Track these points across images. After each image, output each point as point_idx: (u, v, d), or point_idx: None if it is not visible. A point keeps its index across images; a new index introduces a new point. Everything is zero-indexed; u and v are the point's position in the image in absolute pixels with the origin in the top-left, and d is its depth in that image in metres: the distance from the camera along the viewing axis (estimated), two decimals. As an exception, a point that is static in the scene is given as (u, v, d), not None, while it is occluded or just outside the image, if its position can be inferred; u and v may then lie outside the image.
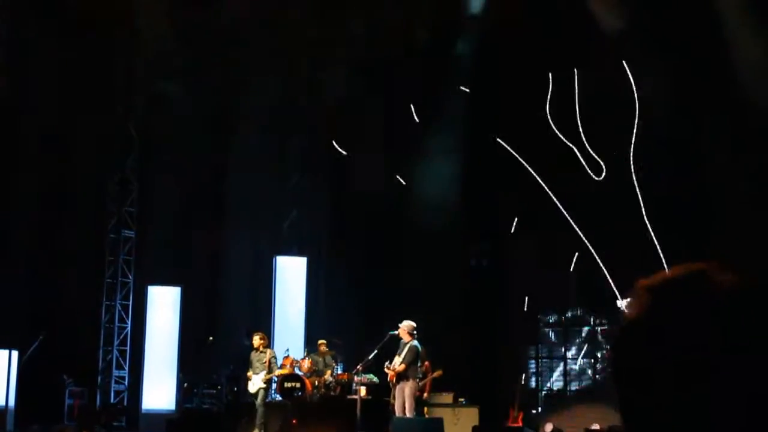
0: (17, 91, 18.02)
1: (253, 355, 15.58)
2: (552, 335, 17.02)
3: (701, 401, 1.17)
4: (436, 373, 15.52)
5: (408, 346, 14.09)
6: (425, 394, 15.51)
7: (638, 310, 1.27)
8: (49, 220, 18.59)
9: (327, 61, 18.87)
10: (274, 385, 16.90)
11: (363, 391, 15.13)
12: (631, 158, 16.53)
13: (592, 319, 16.64)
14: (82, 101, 18.00)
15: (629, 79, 16.25)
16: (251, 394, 15.52)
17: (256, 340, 15.58)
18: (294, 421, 12.48)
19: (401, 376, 14.07)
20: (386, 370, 14.20)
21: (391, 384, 14.30)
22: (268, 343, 15.84)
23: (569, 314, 16.92)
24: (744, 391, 1.16)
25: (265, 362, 15.41)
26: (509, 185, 17.63)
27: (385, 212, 18.19)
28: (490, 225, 17.93)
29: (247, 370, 15.61)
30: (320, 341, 16.82)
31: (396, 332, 14.27)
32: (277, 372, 15.81)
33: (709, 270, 1.25)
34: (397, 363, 14.06)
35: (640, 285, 1.30)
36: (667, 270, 1.29)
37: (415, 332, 14.21)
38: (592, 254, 16.84)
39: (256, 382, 15.33)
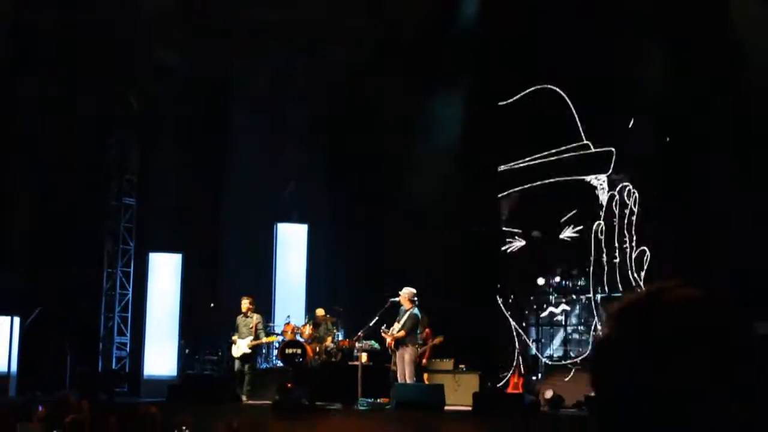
0: (18, 57, 18.13)
1: (240, 319, 15.63)
2: (553, 302, 17.16)
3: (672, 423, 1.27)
4: (437, 340, 15.69)
5: (408, 313, 14.27)
6: (425, 361, 15.70)
7: (603, 335, 1.40)
8: (50, 186, 18.73)
9: (328, 34, 18.88)
10: (266, 352, 17.11)
11: (364, 357, 15.29)
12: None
13: (591, 288, 16.77)
14: (83, 69, 18.10)
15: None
16: (235, 358, 15.64)
17: (245, 304, 15.60)
18: (289, 385, 12.65)
19: (400, 343, 14.24)
20: (383, 334, 14.39)
21: (390, 350, 14.50)
22: (256, 308, 15.86)
23: (570, 282, 17.04)
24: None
25: (252, 327, 15.45)
26: (510, 148, 17.72)
27: (386, 179, 18.30)
28: (489, 190, 18.02)
29: (233, 334, 15.71)
30: (319, 308, 16.98)
31: (397, 299, 14.45)
32: (264, 339, 15.89)
33: (665, 288, 1.37)
34: (396, 329, 14.25)
35: (608, 309, 1.44)
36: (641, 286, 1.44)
37: (415, 299, 14.38)
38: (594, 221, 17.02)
39: (241, 347, 15.41)
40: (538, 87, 17.31)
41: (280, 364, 16.34)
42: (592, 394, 1.39)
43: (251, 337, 15.35)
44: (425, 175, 17.61)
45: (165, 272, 18.57)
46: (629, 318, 1.37)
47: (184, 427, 10.11)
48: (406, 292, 14.39)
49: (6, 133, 18.25)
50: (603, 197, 16.57)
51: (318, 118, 19.83)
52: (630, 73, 15.81)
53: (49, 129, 18.57)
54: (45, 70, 18.10)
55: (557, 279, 17.17)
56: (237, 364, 15.48)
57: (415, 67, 17.97)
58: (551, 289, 17.24)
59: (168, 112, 19.03)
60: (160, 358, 18.10)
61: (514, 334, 17.15)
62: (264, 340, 15.86)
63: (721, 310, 1.34)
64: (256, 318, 15.60)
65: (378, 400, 14.17)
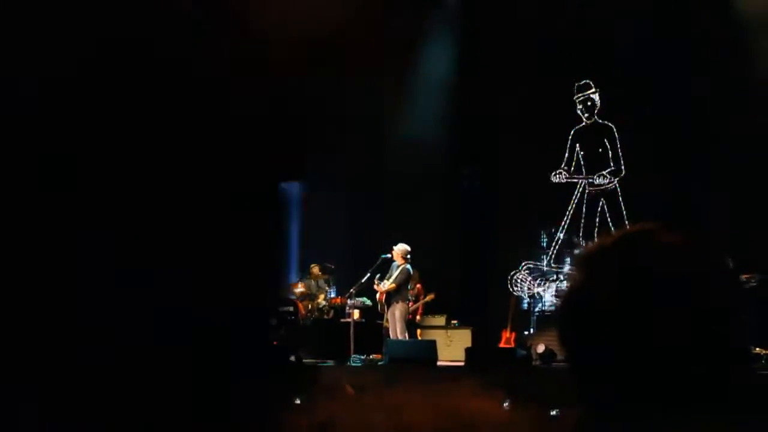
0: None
1: None
2: (544, 257, 17.38)
3: (633, 368, 1.23)
4: (428, 297, 15.93)
5: (400, 268, 14.54)
6: (417, 317, 15.97)
7: (572, 282, 1.34)
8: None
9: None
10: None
11: (356, 314, 15.56)
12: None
13: (583, 242, 17.01)
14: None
15: None
16: None
17: None
18: (275, 343, 12.85)
19: (391, 298, 14.51)
20: (375, 286, 14.63)
21: (380, 305, 14.76)
22: None
23: (561, 236, 17.25)
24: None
25: None
26: (503, 99, 17.85)
27: (378, 134, 18.39)
28: (482, 142, 18.14)
29: None
30: (312, 265, 17.16)
31: (389, 255, 14.70)
32: None
33: (646, 231, 1.29)
34: (387, 283, 14.52)
35: (576, 257, 1.40)
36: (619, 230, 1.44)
37: (408, 256, 14.65)
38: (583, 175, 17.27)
39: None
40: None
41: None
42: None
43: None
44: (418, 127, 17.71)
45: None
46: (603, 266, 1.29)
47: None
48: (400, 248, 14.63)
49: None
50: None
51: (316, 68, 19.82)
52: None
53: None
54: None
55: (552, 231, 17.42)
56: None
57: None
58: (544, 241, 17.47)
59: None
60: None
61: (509, 288, 17.37)
62: None
63: (705, 261, 1.26)
64: None
65: (371, 357, 14.46)
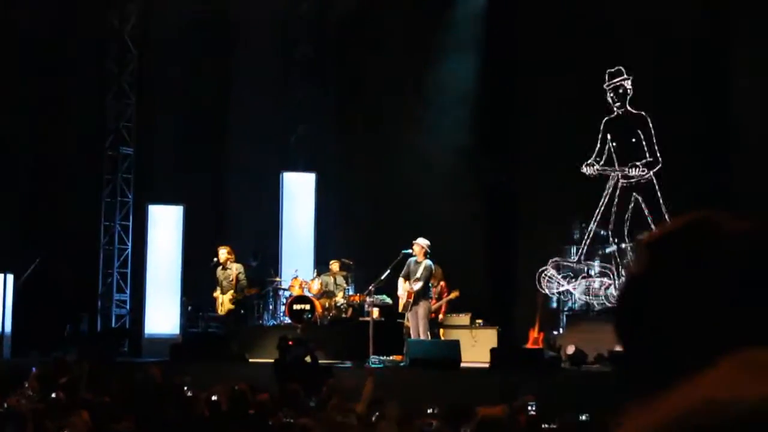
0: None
1: (219, 272, 15.51)
2: (574, 253, 17.14)
3: (701, 358, 1.12)
4: (452, 295, 15.67)
5: (423, 264, 14.31)
6: (441, 316, 15.73)
7: (637, 268, 1.27)
8: (43, 137, 18.74)
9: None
10: (273, 308, 17.13)
11: (375, 312, 15.35)
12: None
13: (614, 238, 16.80)
14: (78, 8, 18.06)
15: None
16: (220, 317, 15.61)
17: (222, 254, 15.39)
18: (290, 342, 12.68)
19: (418, 296, 14.30)
20: (402, 288, 14.36)
21: (401, 304, 14.49)
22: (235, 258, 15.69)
23: (592, 231, 17.01)
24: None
25: (232, 279, 15.38)
26: (528, 97, 17.69)
27: (400, 123, 18.20)
28: (509, 133, 17.96)
29: (214, 290, 15.64)
30: (332, 261, 16.98)
31: (410, 251, 14.47)
32: (246, 291, 15.76)
33: (712, 218, 1.23)
34: (415, 283, 14.27)
35: (640, 241, 1.31)
36: (669, 219, 1.31)
37: (429, 251, 14.43)
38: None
39: (225, 303, 15.37)
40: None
41: (287, 320, 16.40)
42: (617, 348, 1.26)
43: (232, 291, 15.29)
44: (441, 119, 17.58)
45: (165, 225, 18.56)
46: (672, 248, 1.23)
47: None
48: (422, 242, 14.40)
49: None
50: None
51: (327, 57, 19.68)
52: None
53: (42, 74, 18.55)
54: (36, 8, 18.02)
55: (582, 226, 17.19)
56: (222, 323, 15.56)
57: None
58: (575, 237, 17.25)
59: (167, 53, 18.88)
60: (162, 315, 18.15)
61: (537, 285, 17.15)
62: (246, 292, 15.73)
63: None
64: (236, 268, 15.45)
65: (390, 358, 14.24)
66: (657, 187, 16.62)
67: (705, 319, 1.17)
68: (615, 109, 17.14)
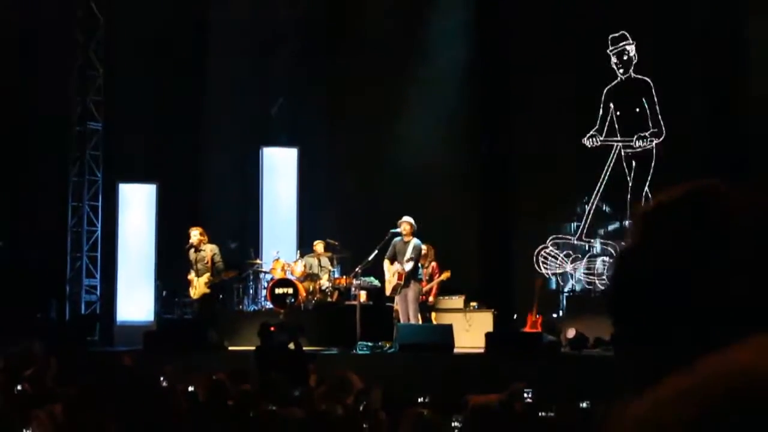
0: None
1: (192, 254, 15.53)
2: (574, 230, 17.18)
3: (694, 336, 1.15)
4: (444, 276, 15.68)
5: (412, 243, 14.33)
6: (432, 299, 15.75)
7: (632, 238, 1.26)
8: (4, 112, 18.64)
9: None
10: (254, 292, 17.13)
11: (363, 296, 15.39)
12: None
13: (617, 213, 16.86)
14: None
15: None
16: (194, 301, 15.64)
17: (195, 236, 15.39)
18: (272, 329, 12.69)
19: (409, 278, 14.32)
20: (389, 269, 14.39)
21: (390, 287, 14.50)
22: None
23: (594, 206, 17.05)
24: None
25: (207, 261, 15.38)
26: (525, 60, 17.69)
27: (386, 95, 18.17)
28: (503, 105, 17.96)
29: (188, 273, 15.63)
30: (316, 242, 16.98)
31: (398, 230, 14.48)
32: (224, 274, 15.75)
33: (718, 187, 1.23)
34: (406, 264, 14.29)
35: (636, 211, 1.31)
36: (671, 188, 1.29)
37: (416, 228, 14.49)
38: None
39: (199, 287, 15.38)
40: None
41: (269, 305, 16.40)
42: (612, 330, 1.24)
43: (208, 274, 15.30)
44: (430, 92, 17.56)
45: (138, 205, 18.53)
46: (673, 218, 1.22)
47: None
48: (409, 221, 14.42)
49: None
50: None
51: (311, 24, 19.59)
52: None
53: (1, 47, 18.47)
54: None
55: (583, 200, 17.24)
56: (197, 305, 15.57)
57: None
58: (576, 213, 17.29)
59: (138, 20, 18.76)
60: (134, 301, 18.14)
61: (535, 265, 17.19)
62: (223, 275, 15.73)
63: None
64: (210, 249, 15.45)
65: (379, 343, 14.27)
66: (653, 158, 16.72)
67: (710, 295, 1.16)
68: (619, 75, 17.17)
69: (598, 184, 17.07)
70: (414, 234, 14.40)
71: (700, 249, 1.18)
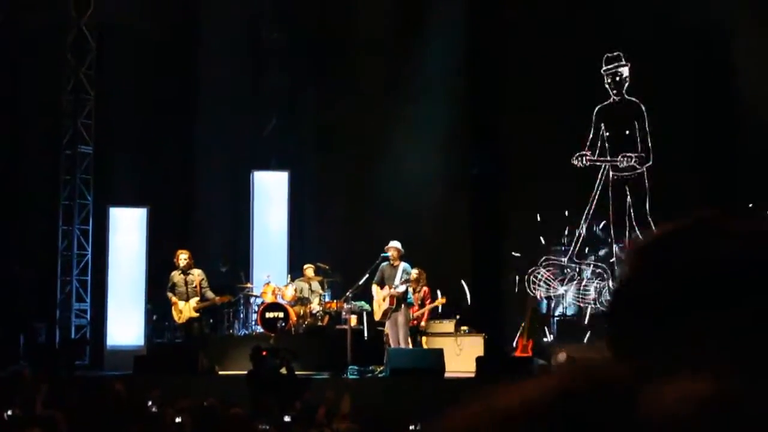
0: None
1: (177, 276, 15.47)
2: (564, 255, 17.20)
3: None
4: (438, 302, 15.70)
5: (401, 267, 14.38)
6: (423, 323, 15.73)
7: (625, 274, 1.23)
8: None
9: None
10: (244, 317, 17.10)
11: (353, 320, 15.38)
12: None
13: (609, 236, 16.89)
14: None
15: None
16: (180, 326, 15.60)
17: (183, 259, 15.37)
18: (264, 353, 12.68)
19: (400, 302, 14.35)
20: (378, 294, 14.42)
21: (380, 312, 14.52)
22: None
23: (584, 227, 17.09)
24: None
25: (196, 286, 15.34)
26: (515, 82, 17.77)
27: (377, 119, 18.21)
28: (494, 128, 18.02)
29: (172, 295, 15.61)
30: (306, 266, 16.98)
31: (388, 254, 14.53)
32: (218, 299, 15.66)
33: (717, 220, 1.20)
34: (398, 287, 14.32)
35: (629, 246, 1.30)
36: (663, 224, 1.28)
37: (402, 253, 14.56)
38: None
39: (185, 311, 15.33)
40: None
41: (259, 329, 16.38)
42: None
43: (197, 298, 15.26)
44: (421, 115, 17.62)
45: (128, 229, 18.50)
46: (667, 252, 1.19)
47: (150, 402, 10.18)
48: (397, 245, 14.49)
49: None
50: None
51: (302, 47, 19.64)
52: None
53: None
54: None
55: (573, 222, 17.28)
56: (183, 331, 15.56)
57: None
58: (565, 239, 17.31)
59: (129, 44, 18.79)
60: (125, 326, 18.09)
61: (526, 288, 17.20)
62: (217, 299, 15.68)
63: None
64: (198, 274, 15.44)
65: (370, 368, 14.26)
66: (646, 183, 16.80)
67: (706, 328, 1.13)
68: (612, 95, 17.26)
69: (588, 206, 17.12)
70: (402, 258, 14.44)
71: (698, 284, 1.15)
